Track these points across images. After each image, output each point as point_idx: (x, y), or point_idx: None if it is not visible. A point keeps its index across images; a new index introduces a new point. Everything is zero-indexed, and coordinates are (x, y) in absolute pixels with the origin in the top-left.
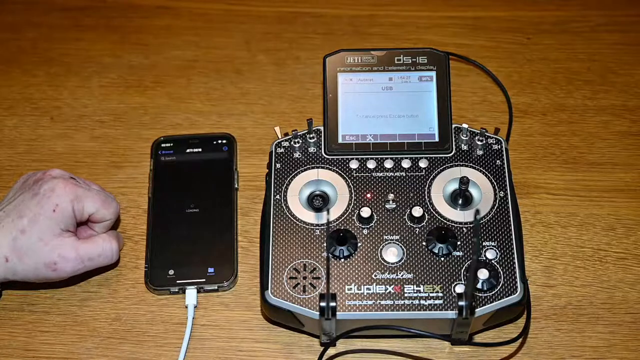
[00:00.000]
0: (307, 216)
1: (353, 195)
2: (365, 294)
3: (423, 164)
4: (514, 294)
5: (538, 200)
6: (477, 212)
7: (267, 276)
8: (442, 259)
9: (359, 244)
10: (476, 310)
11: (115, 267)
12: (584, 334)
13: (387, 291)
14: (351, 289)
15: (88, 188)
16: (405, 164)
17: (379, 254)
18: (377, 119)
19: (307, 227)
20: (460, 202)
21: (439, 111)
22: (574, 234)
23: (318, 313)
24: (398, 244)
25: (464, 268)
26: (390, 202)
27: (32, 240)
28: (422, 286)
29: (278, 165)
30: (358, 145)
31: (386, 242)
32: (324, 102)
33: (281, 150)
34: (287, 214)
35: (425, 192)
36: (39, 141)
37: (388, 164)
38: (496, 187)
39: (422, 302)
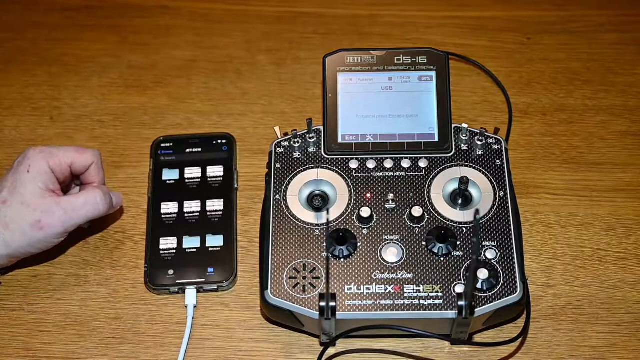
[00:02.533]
0: (307, 216)
1: (353, 195)
2: (365, 293)
3: (423, 163)
4: (514, 294)
5: (538, 200)
6: (477, 212)
7: (267, 276)
8: (442, 258)
9: (359, 244)
10: (476, 310)
11: (113, 220)
12: (584, 334)
13: (387, 291)
14: (351, 288)
15: (62, 146)
16: (405, 163)
17: (378, 254)
18: (377, 119)
19: (307, 227)
20: (460, 202)
21: (439, 111)
22: (574, 234)
23: (318, 313)
24: (398, 244)
25: (463, 268)
26: (390, 202)
27: (14, 206)
28: (421, 286)
29: (278, 165)
30: (358, 145)
31: (386, 242)
32: (324, 102)
33: (281, 150)
34: (287, 213)
35: (425, 192)
36: (39, 141)
37: (388, 164)
38: (496, 187)
39: (422, 302)
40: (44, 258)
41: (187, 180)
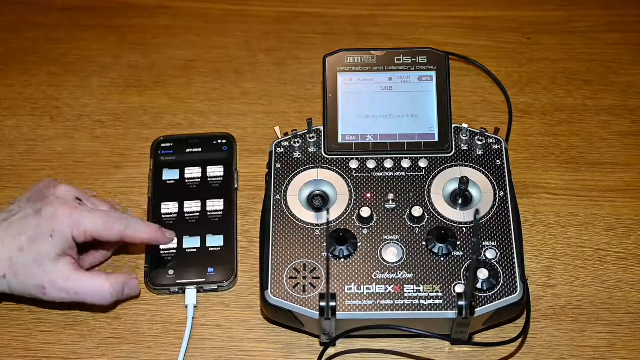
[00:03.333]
0: (307, 216)
1: (353, 195)
2: (365, 293)
3: (423, 163)
4: (514, 294)
5: (538, 200)
6: (477, 212)
7: (267, 276)
8: (442, 258)
9: (359, 244)
10: (476, 310)
11: (112, 309)
12: (584, 334)
13: (387, 291)
14: (351, 288)
15: (91, 209)
16: (405, 163)
17: (378, 254)
18: (377, 118)
19: (307, 227)
20: (460, 202)
21: (439, 111)
22: (574, 234)
23: (318, 313)
24: (398, 244)
25: (463, 268)
26: (390, 202)
27: (28, 260)
28: (422, 286)
29: (278, 165)
30: (358, 145)
31: (386, 242)
32: (324, 102)
33: (281, 150)
34: (287, 213)
35: (425, 192)
36: (39, 141)
37: (388, 164)
38: (496, 187)
39: (422, 302)
40: None
41: (187, 180)
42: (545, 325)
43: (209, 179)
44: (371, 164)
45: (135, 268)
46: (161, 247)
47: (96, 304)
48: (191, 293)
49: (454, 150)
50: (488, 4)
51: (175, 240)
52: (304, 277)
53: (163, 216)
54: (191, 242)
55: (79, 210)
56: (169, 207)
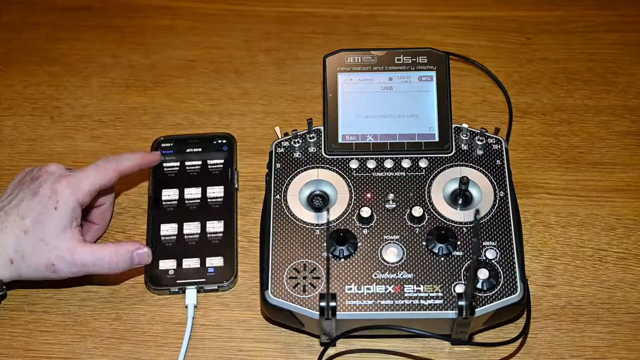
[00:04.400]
0: (307, 216)
1: (353, 195)
2: (365, 293)
3: (423, 163)
4: (514, 294)
5: (538, 200)
6: (477, 212)
7: (267, 276)
8: (442, 258)
9: (359, 244)
10: (476, 310)
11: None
12: (584, 334)
13: (387, 291)
14: (351, 288)
15: (82, 170)
16: (405, 163)
17: (379, 254)
18: (377, 118)
19: (307, 227)
20: (460, 202)
21: (439, 111)
22: (574, 234)
23: (318, 313)
24: (398, 244)
25: (464, 268)
26: (390, 202)
27: (34, 240)
28: (422, 286)
29: (278, 165)
30: (358, 145)
31: (386, 242)
32: (324, 102)
33: (281, 150)
34: (287, 213)
35: (425, 192)
36: (39, 141)
37: (388, 164)
38: (496, 187)
39: (422, 302)
40: None
41: (187, 181)
42: (546, 325)
43: (208, 179)
44: (371, 164)
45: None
46: (161, 247)
47: (105, 273)
48: (191, 293)
49: (454, 150)
50: (488, 4)
51: (176, 240)
52: (304, 277)
53: (163, 215)
54: (191, 242)
55: (73, 176)
56: (169, 208)
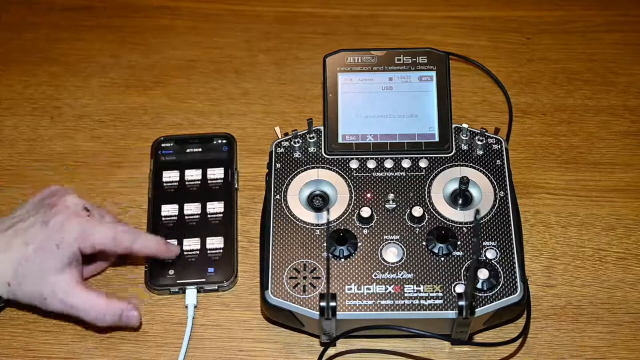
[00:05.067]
0: (307, 216)
1: (353, 195)
2: (365, 293)
3: (423, 163)
4: (514, 294)
5: (538, 200)
6: (477, 212)
7: (267, 276)
8: (442, 258)
9: (359, 244)
10: (476, 310)
11: (107, 332)
12: (584, 334)
13: (387, 291)
14: (351, 288)
15: (100, 222)
16: (405, 163)
17: (379, 254)
18: (377, 118)
19: (307, 227)
20: (460, 202)
21: (439, 111)
22: (574, 234)
23: (318, 313)
24: (398, 244)
25: (464, 268)
26: (390, 202)
27: (32, 269)
28: (422, 286)
29: (278, 165)
30: (358, 145)
31: (386, 242)
32: (324, 102)
33: (281, 150)
34: (287, 213)
35: (425, 192)
36: (39, 141)
37: (388, 164)
38: (496, 187)
39: (422, 302)
40: None
41: (187, 181)
42: (546, 325)
43: (209, 179)
44: (371, 164)
45: (135, 268)
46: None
47: (91, 322)
48: (191, 293)
49: (454, 150)
50: (488, 4)
51: (176, 241)
52: (304, 277)
53: (163, 216)
54: (191, 242)
55: (87, 222)
56: (169, 207)
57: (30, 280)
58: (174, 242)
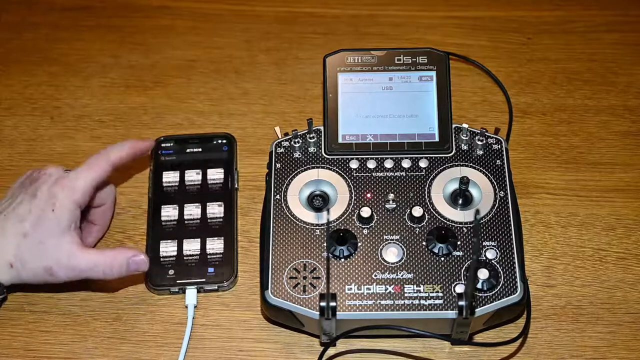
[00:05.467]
0: (307, 216)
1: (353, 195)
2: (365, 293)
3: (423, 163)
4: (514, 294)
5: (538, 200)
6: (477, 212)
7: (267, 276)
8: (442, 258)
9: (359, 244)
10: (476, 310)
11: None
12: (584, 334)
13: (387, 291)
14: (351, 288)
15: (78, 170)
16: (405, 163)
17: (379, 254)
18: (377, 118)
19: (307, 227)
20: (460, 202)
21: (439, 111)
22: (574, 234)
23: (318, 313)
24: (398, 244)
25: (464, 268)
26: (390, 202)
27: (33, 243)
28: (422, 286)
29: (278, 165)
30: (358, 145)
31: (386, 242)
32: (324, 102)
33: (281, 150)
34: (287, 214)
35: (425, 192)
36: (39, 141)
37: (388, 164)
38: (496, 187)
39: (422, 302)
40: None
41: (187, 181)
42: (546, 325)
43: (209, 179)
44: (371, 164)
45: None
46: (161, 247)
47: (101, 279)
48: (191, 293)
49: (454, 150)
50: (488, 4)
51: (176, 241)
52: (304, 277)
53: (163, 216)
54: (191, 242)
55: (69, 178)
56: (169, 207)
57: (33, 255)
58: (174, 240)
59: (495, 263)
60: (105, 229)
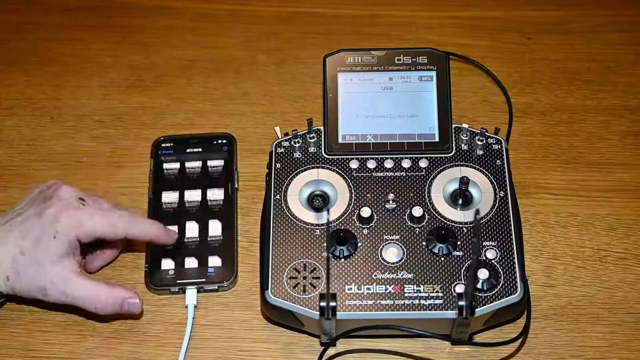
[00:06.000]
0: (307, 216)
1: (353, 195)
2: (365, 293)
3: (423, 163)
4: (514, 294)
5: (538, 200)
6: (477, 212)
7: (267, 276)
8: (442, 259)
9: (359, 244)
10: (476, 310)
11: (109, 320)
12: (584, 334)
13: (387, 291)
14: (351, 288)
15: (94, 209)
16: (406, 164)
17: (379, 254)
18: (377, 118)
19: (307, 227)
20: (460, 202)
21: (439, 111)
22: (574, 234)
23: (318, 313)
24: (398, 244)
25: (464, 268)
26: (390, 202)
27: (29, 262)
28: (422, 286)
29: (278, 165)
30: (358, 145)
31: (386, 242)
32: (324, 102)
33: (281, 150)
34: (287, 214)
35: (425, 192)
36: (39, 141)
37: (388, 164)
38: (496, 187)
39: (422, 302)
40: None
41: (187, 181)
42: (546, 325)
43: (209, 179)
44: (371, 164)
45: (135, 268)
46: (161, 247)
47: (91, 311)
48: (191, 293)
49: (454, 150)
50: (488, 4)
51: (176, 239)
52: (304, 277)
53: (163, 215)
54: (191, 242)
55: (81, 211)
56: (169, 207)
57: (29, 273)
58: (174, 228)
59: (495, 263)
60: (114, 257)
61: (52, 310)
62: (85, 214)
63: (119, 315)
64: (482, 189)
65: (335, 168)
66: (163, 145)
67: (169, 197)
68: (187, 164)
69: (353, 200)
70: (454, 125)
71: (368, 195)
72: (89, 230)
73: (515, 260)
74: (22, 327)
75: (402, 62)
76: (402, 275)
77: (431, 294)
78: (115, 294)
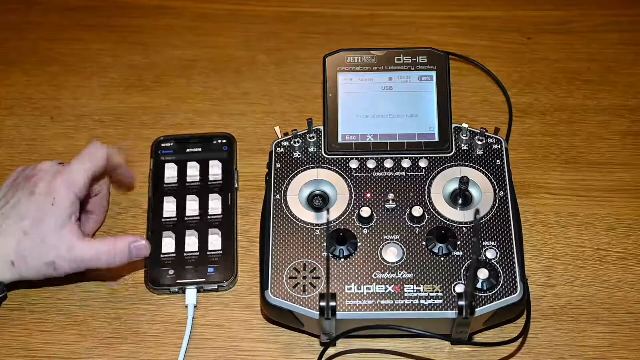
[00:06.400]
0: (307, 216)
1: (353, 195)
2: (365, 293)
3: (423, 163)
4: (514, 294)
5: (538, 200)
6: (477, 212)
7: (267, 276)
8: (442, 259)
9: (359, 244)
10: (476, 310)
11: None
12: (584, 334)
13: (387, 291)
14: (351, 288)
15: (74, 163)
16: (406, 163)
17: (379, 254)
18: (377, 118)
19: (307, 227)
20: (460, 202)
21: (439, 111)
22: (574, 234)
23: (318, 313)
24: (398, 244)
25: (464, 268)
26: (390, 202)
27: (34, 241)
28: (422, 286)
29: (278, 165)
30: (358, 145)
31: (386, 242)
32: (324, 102)
33: (281, 150)
34: (287, 214)
35: (425, 192)
36: (39, 141)
37: (388, 164)
38: (496, 187)
39: (422, 302)
40: None
41: (187, 181)
42: (546, 325)
43: (209, 179)
44: (371, 164)
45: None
46: (162, 246)
47: (104, 268)
48: (191, 293)
49: (454, 150)
50: (488, 4)
51: (175, 240)
52: (304, 277)
53: (163, 216)
54: (191, 242)
55: (67, 170)
56: (169, 207)
57: (35, 253)
58: (174, 239)
59: (495, 263)
60: (102, 219)
61: (65, 283)
62: (70, 170)
63: (134, 266)
64: (482, 189)
65: (335, 168)
66: (163, 145)
67: (169, 207)
68: (187, 161)
69: (353, 200)
70: (454, 125)
71: (368, 195)
72: (82, 180)
73: (515, 260)
74: (22, 327)
75: (402, 62)
76: (402, 275)
77: (431, 294)
78: (120, 244)
